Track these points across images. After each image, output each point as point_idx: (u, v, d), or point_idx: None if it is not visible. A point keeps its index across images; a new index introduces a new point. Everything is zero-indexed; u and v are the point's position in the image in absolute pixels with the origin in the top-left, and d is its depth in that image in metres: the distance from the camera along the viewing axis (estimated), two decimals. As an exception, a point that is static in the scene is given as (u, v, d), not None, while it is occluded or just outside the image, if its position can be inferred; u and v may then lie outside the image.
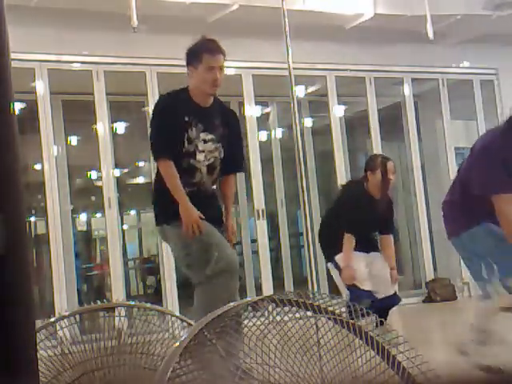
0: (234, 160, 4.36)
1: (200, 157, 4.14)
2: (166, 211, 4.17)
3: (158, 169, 4.29)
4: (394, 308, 5.99)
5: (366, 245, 5.89)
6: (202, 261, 4.03)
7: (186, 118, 4.12)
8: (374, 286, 5.76)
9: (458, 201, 4.08)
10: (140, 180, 11.77)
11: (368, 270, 5.81)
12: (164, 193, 4.11)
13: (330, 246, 5.90)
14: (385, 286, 5.84)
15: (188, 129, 4.12)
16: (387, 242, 6.04)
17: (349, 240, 5.71)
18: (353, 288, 5.70)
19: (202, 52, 4.12)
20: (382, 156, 6.17)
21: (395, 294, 5.93)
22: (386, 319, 5.61)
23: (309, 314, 1.83)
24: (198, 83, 4.16)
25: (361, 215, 5.73)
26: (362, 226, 5.79)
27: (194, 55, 4.16)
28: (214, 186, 4.33)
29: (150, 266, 12.09)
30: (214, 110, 4.24)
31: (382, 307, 5.64)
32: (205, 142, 4.16)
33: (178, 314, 2.77)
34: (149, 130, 4.26)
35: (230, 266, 4.01)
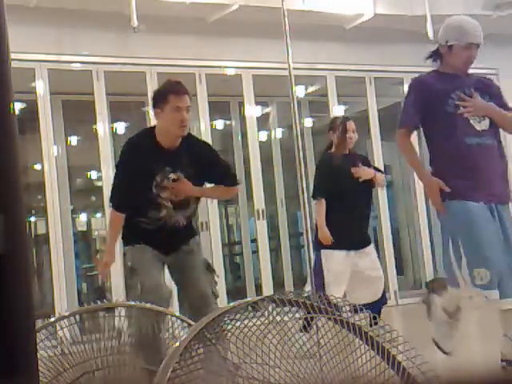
0: (222, 179, 4.39)
1: (164, 194, 4.17)
2: (130, 233, 4.27)
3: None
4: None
5: (352, 238, 5.73)
6: (127, 285, 4.20)
7: (154, 165, 4.14)
8: (361, 292, 5.57)
9: None
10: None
11: (351, 271, 5.64)
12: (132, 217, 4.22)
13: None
14: (374, 288, 5.71)
15: (156, 175, 4.14)
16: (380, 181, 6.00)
17: (319, 204, 5.75)
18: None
19: (168, 93, 4.14)
20: (343, 116, 6.57)
21: (383, 295, 5.77)
22: (379, 316, 5.52)
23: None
24: (165, 124, 4.16)
25: (330, 176, 5.76)
26: (338, 188, 5.74)
27: (160, 97, 4.18)
28: (190, 219, 4.36)
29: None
30: (181, 151, 4.22)
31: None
32: (173, 180, 4.18)
33: (177, 313, 2.77)
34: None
35: (148, 295, 3.90)
